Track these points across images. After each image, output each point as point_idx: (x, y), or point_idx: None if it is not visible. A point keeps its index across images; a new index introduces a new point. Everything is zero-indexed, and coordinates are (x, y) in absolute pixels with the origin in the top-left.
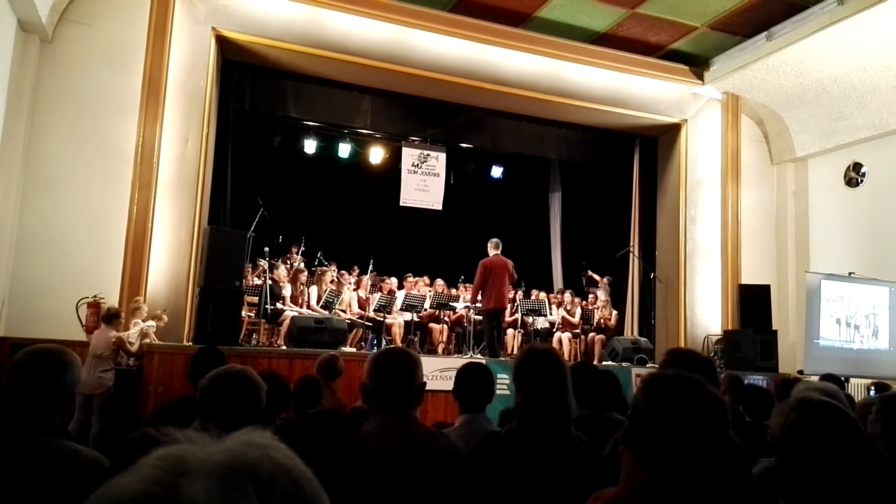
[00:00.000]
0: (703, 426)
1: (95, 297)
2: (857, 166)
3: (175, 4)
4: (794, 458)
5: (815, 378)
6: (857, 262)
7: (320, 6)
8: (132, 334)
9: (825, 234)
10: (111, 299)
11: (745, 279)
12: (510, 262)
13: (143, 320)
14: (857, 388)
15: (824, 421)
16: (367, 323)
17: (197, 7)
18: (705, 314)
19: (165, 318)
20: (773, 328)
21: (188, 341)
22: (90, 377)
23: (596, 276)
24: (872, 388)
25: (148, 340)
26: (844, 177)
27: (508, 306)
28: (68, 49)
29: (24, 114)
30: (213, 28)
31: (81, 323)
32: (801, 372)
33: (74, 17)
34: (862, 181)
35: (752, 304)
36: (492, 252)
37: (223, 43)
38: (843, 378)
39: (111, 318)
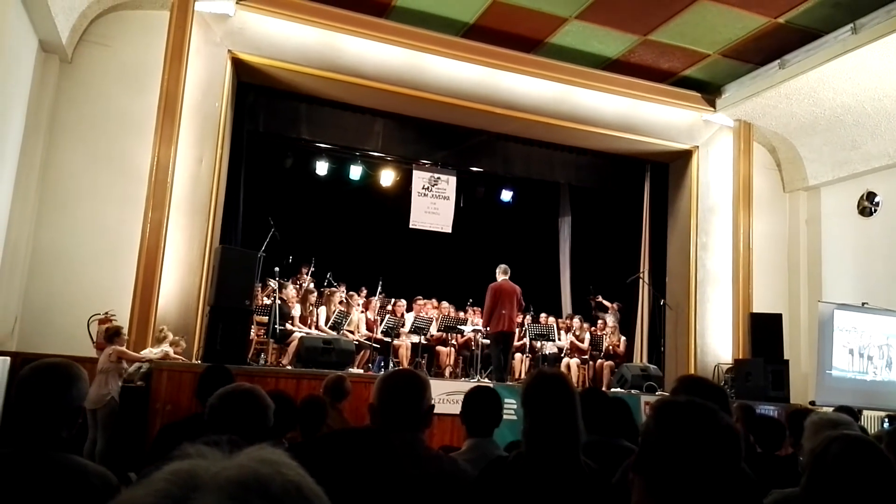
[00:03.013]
0: (717, 455)
1: (107, 313)
2: (870, 195)
3: (192, 27)
4: (828, 489)
5: (828, 409)
6: (870, 292)
7: (335, 30)
8: (151, 352)
9: (838, 263)
10: (122, 316)
11: (757, 308)
12: (518, 289)
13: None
14: (871, 421)
15: (863, 457)
16: (374, 344)
17: (213, 30)
18: (716, 342)
19: (183, 343)
20: (785, 358)
21: (197, 359)
22: (92, 393)
23: (605, 302)
24: (886, 420)
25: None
26: (858, 206)
27: (517, 331)
28: (87, 70)
29: (42, 132)
30: (229, 50)
31: (92, 339)
32: (812, 403)
33: (94, 39)
34: (875, 210)
35: (764, 333)
36: (500, 277)
37: (238, 65)
38: (856, 409)
39: (111, 336)
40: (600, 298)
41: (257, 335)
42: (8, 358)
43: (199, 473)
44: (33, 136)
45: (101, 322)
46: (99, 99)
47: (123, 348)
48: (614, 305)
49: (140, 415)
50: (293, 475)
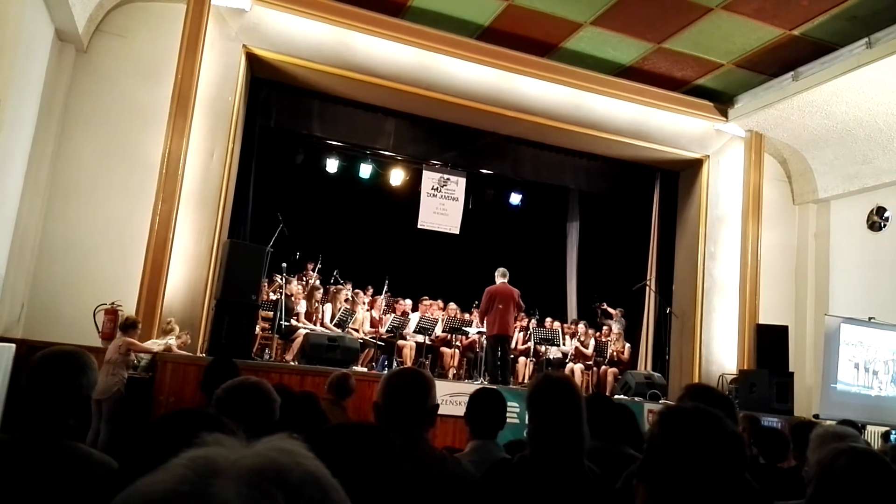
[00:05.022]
0: (721, 462)
1: (113, 304)
2: (880, 210)
3: (208, 21)
4: (835, 501)
5: (832, 422)
6: (877, 306)
7: (350, 28)
8: (156, 343)
9: (846, 277)
10: (129, 307)
11: (763, 319)
12: (516, 291)
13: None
14: (874, 436)
15: (871, 470)
16: (379, 343)
17: (229, 24)
18: (721, 352)
19: (187, 337)
20: (790, 370)
21: (202, 352)
22: (99, 383)
23: (610, 309)
24: (893, 433)
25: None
26: (867, 220)
27: (521, 334)
28: (102, 60)
29: (56, 120)
30: (244, 45)
31: (98, 329)
32: (816, 416)
33: (110, 29)
34: (885, 225)
35: (769, 344)
36: (499, 280)
37: (253, 60)
38: (859, 424)
39: (127, 327)
40: (605, 306)
41: (262, 330)
42: (13, 345)
43: (218, 461)
44: (46, 125)
45: (107, 312)
46: (113, 89)
47: (134, 340)
48: (618, 311)
49: (144, 406)
50: (311, 465)
